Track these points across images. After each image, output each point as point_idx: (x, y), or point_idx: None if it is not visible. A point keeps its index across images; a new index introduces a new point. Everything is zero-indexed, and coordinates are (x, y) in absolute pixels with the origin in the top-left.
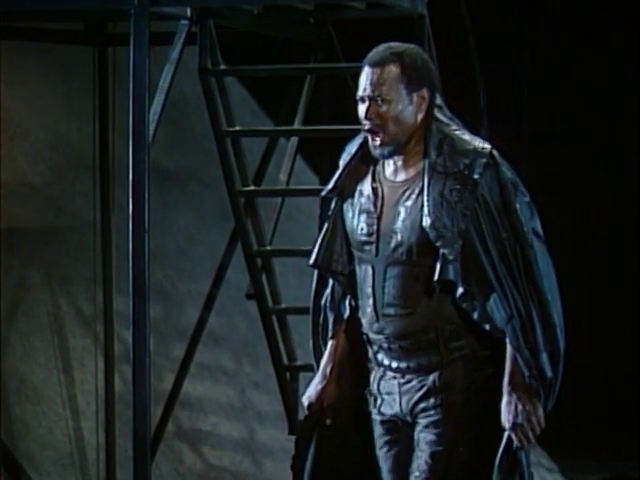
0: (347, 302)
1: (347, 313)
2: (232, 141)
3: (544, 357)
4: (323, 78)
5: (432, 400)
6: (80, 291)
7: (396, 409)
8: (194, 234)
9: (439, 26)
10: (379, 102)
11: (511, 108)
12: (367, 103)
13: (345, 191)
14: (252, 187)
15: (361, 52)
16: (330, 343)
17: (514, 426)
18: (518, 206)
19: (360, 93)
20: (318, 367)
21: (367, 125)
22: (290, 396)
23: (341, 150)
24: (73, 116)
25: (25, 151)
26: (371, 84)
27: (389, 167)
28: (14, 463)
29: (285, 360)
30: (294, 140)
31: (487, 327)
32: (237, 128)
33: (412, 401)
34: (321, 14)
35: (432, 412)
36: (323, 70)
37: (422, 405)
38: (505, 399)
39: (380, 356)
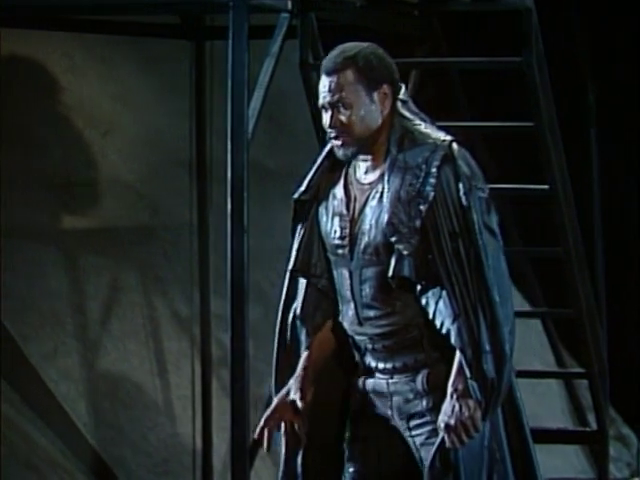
0: (321, 312)
1: (320, 322)
2: None
3: (488, 358)
4: (428, 72)
5: (423, 404)
6: (176, 292)
7: (385, 410)
8: None
9: (545, 21)
10: (341, 108)
11: (624, 108)
12: (330, 111)
13: (319, 194)
14: None
15: (467, 46)
16: (304, 356)
17: (446, 427)
18: (472, 201)
19: (321, 102)
20: (280, 381)
21: (332, 133)
22: None
23: None
24: (169, 112)
25: (119, 148)
26: (330, 91)
27: (360, 169)
28: (106, 470)
29: None
30: None
31: (437, 324)
32: None
33: (401, 404)
34: (426, 7)
35: (427, 418)
36: (428, 64)
37: (413, 410)
38: (446, 399)
39: (366, 359)
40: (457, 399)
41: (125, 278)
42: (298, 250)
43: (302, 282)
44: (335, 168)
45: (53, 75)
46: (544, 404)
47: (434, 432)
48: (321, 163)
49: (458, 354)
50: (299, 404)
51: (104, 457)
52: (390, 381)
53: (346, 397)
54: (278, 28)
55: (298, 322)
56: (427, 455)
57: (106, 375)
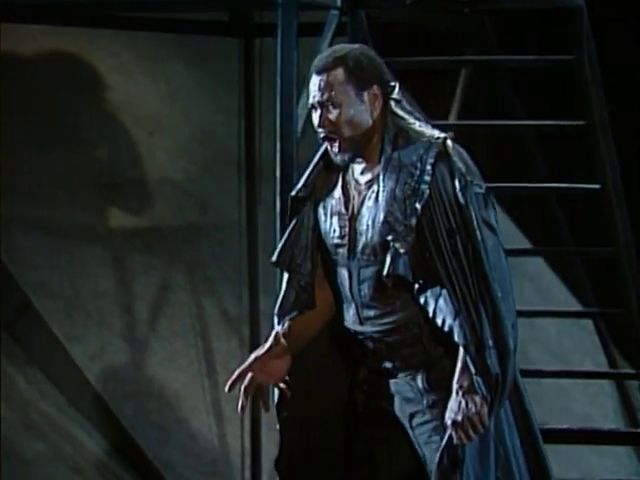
0: (298, 307)
1: (296, 316)
2: None
3: (491, 354)
4: (479, 71)
5: (424, 402)
6: (225, 292)
7: (387, 407)
8: None
9: (597, 19)
10: (330, 108)
11: None
12: (319, 110)
13: (317, 192)
14: None
15: (519, 44)
16: (281, 326)
17: (453, 423)
18: (469, 198)
19: (310, 101)
20: None
21: (322, 133)
22: None
23: (496, 147)
24: (217, 110)
25: (166, 147)
26: (319, 90)
27: (358, 168)
28: (153, 471)
29: None
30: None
31: (439, 323)
32: None
33: (403, 403)
34: (476, 5)
35: (428, 417)
36: (479, 63)
37: (414, 409)
38: (452, 396)
39: (369, 358)
40: (463, 395)
41: (173, 277)
42: (284, 245)
43: (285, 277)
44: (332, 167)
45: (100, 73)
46: (596, 405)
47: (435, 430)
48: (318, 161)
49: (462, 351)
50: (259, 356)
51: (151, 458)
52: (392, 380)
53: (352, 398)
54: (327, 25)
55: (275, 317)
56: (430, 454)
57: (153, 376)
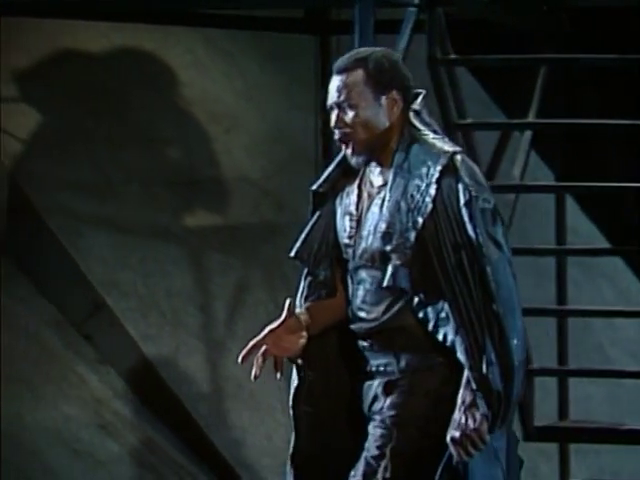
0: (310, 299)
1: (299, 307)
2: (463, 134)
3: (494, 370)
4: (558, 69)
5: (379, 404)
6: None
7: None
8: None
9: None
10: (346, 109)
11: None
12: (335, 111)
13: (338, 189)
14: None
15: (598, 43)
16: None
17: (452, 440)
18: (474, 213)
19: (328, 102)
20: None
21: (337, 134)
22: (525, 401)
23: (574, 146)
24: (293, 108)
25: (243, 144)
26: (337, 91)
27: (375, 170)
28: (229, 472)
29: None
30: (528, 134)
31: (440, 337)
32: (468, 120)
33: (367, 402)
34: (554, 2)
35: (377, 416)
36: (558, 61)
37: (373, 409)
38: (454, 411)
39: (362, 359)
40: (464, 411)
41: (250, 276)
42: (304, 240)
43: (304, 271)
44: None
45: (175, 70)
46: None
47: (374, 429)
48: (341, 158)
49: (466, 366)
50: (273, 328)
51: (227, 458)
52: (368, 382)
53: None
54: (405, 22)
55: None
56: (366, 452)
57: (229, 376)
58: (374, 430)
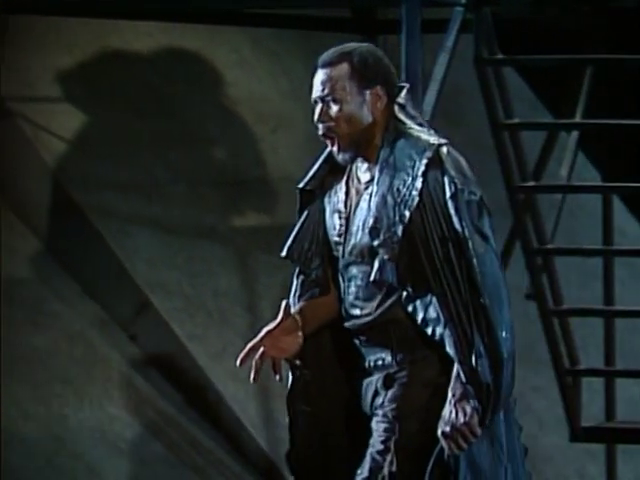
0: (303, 299)
1: (294, 307)
2: (510, 134)
3: (483, 363)
4: (605, 70)
5: (379, 399)
6: None
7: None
8: None
9: None
10: (330, 103)
11: None
12: (319, 105)
13: (326, 186)
14: (532, 183)
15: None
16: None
17: (443, 434)
18: (460, 205)
19: (312, 95)
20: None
21: (321, 129)
22: (572, 401)
23: (625, 145)
24: None
25: (289, 144)
26: (321, 84)
27: (362, 166)
28: (276, 472)
29: (567, 364)
30: (575, 134)
31: (429, 331)
32: (515, 121)
33: (368, 398)
34: (599, 2)
35: (379, 411)
36: (604, 62)
37: (374, 404)
38: (445, 405)
39: (361, 350)
40: (454, 405)
41: None
42: (294, 238)
43: (296, 270)
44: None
45: (221, 70)
46: None
47: (377, 425)
48: (327, 155)
49: (455, 359)
50: (270, 330)
51: (274, 458)
52: (370, 377)
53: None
54: (452, 22)
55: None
56: (371, 448)
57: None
58: (377, 425)
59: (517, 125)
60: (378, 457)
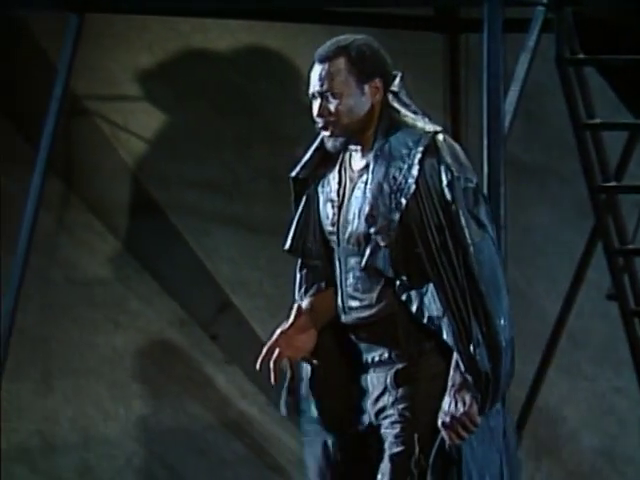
0: (310, 293)
1: (304, 304)
2: (592, 134)
3: (482, 351)
4: None
5: (388, 399)
6: None
7: (363, 403)
8: (551, 231)
9: None
10: (329, 97)
11: None
12: (319, 100)
13: (318, 174)
14: (613, 183)
15: None
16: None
17: (442, 424)
18: (456, 193)
19: (310, 90)
20: None
21: (320, 123)
22: None
23: None
24: (423, 106)
25: None
26: (320, 79)
27: (354, 155)
28: None
29: None
30: None
31: (425, 320)
32: (597, 121)
33: (373, 400)
34: None
35: (389, 412)
36: None
37: (379, 407)
38: (445, 395)
39: (356, 351)
40: (453, 395)
41: None
42: (295, 231)
43: (298, 264)
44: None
45: (302, 68)
46: None
47: (392, 425)
48: (319, 144)
49: (453, 348)
50: (284, 330)
51: None
52: (369, 375)
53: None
54: (534, 21)
55: (296, 302)
56: (388, 448)
57: None
58: (392, 426)
59: (599, 125)
60: (397, 459)
